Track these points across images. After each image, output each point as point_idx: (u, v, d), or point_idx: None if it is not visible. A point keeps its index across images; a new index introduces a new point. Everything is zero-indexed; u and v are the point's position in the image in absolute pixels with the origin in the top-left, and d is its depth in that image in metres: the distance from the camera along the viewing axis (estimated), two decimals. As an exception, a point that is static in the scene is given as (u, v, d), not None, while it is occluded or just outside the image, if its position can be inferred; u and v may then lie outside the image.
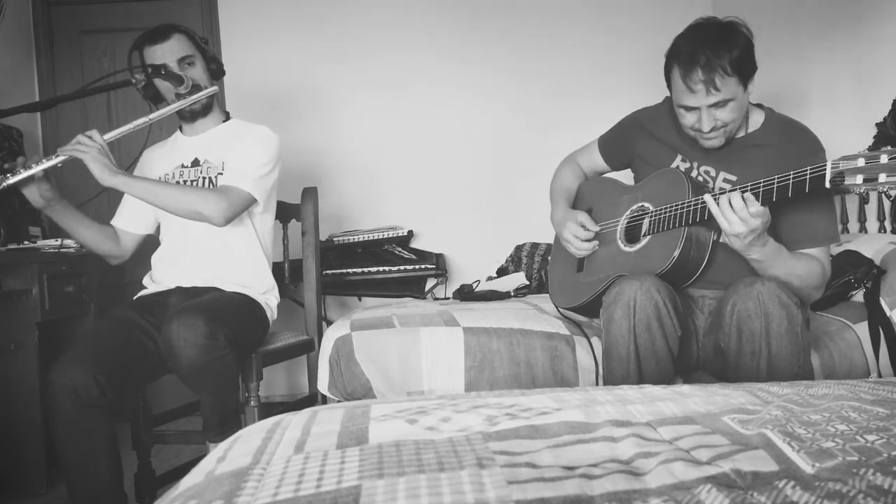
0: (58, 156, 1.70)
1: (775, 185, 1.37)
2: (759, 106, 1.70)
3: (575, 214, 1.82)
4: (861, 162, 1.23)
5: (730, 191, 1.39)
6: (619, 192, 1.83)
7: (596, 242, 1.78)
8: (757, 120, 1.66)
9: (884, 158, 1.20)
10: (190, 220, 1.82)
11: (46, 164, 1.70)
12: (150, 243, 2.06)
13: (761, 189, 1.39)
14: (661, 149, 1.76)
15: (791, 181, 1.34)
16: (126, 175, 1.74)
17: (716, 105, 1.53)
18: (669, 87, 1.62)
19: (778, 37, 3.02)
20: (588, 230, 1.78)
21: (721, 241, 1.60)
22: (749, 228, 1.37)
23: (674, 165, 1.72)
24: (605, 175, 2.00)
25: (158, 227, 2.06)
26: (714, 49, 1.48)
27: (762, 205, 1.38)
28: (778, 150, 1.60)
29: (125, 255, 2.03)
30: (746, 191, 1.40)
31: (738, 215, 1.37)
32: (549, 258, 2.09)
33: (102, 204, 2.06)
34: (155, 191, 1.76)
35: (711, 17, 1.57)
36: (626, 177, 1.93)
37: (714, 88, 1.49)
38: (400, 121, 3.44)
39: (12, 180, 1.68)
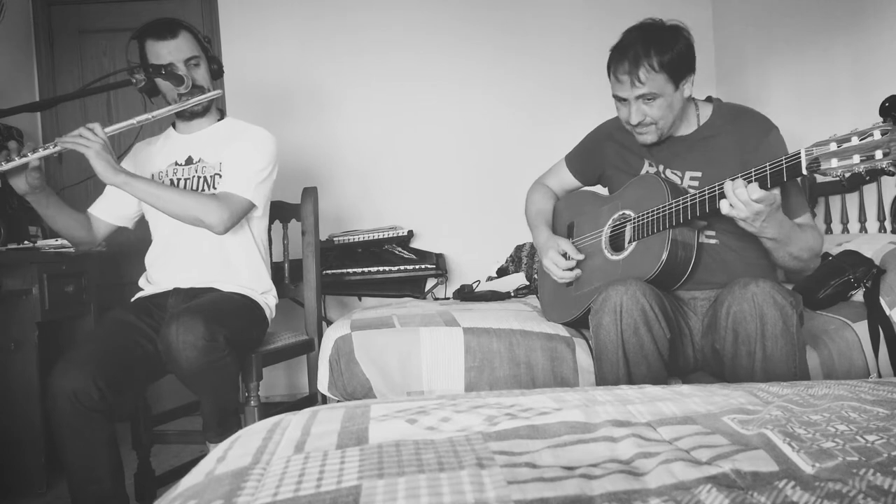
0: (56, 146, 1.68)
1: (753, 177, 1.38)
2: (709, 99, 1.75)
3: (557, 242, 1.84)
4: (833, 146, 1.24)
5: (731, 179, 1.40)
6: (599, 204, 1.86)
7: (578, 271, 1.80)
8: (706, 113, 1.71)
9: (854, 140, 1.22)
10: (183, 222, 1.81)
11: (44, 153, 1.67)
12: (144, 241, 2.04)
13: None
14: (629, 156, 1.80)
15: (768, 172, 1.36)
16: (129, 175, 1.73)
17: (643, 98, 1.59)
18: (609, 79, 1.68)
19: (777, 36, 3.02)
20: (570, 259, 1.79)
21: (703, 241, 1.62)
22: (753, 212, 1.38)
23: (643, 171, 1.76)
24: (580, 190, 2.02)
25: (139, 224, 2.05)
26: (645, 45, 1.56)
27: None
28: (731, 136, 1.65)
29: (94, 243, 2.01)
30: (751, 178, 1.39)
31: (740, 201, 1.38)
32: (537, 276, 2.10)
33: (81, 188, 2.04)
34: (157, 193, 1.76)
35: (658, 19, 1.64)
36: (600, 189, 1.94)
37: (638, 81, 1.57)
38: (400, 120, 3.44)
39: (7, 166, 1.65)
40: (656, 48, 1.55)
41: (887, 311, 1.84)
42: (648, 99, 1.59)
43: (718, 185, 1.44)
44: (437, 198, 3.43)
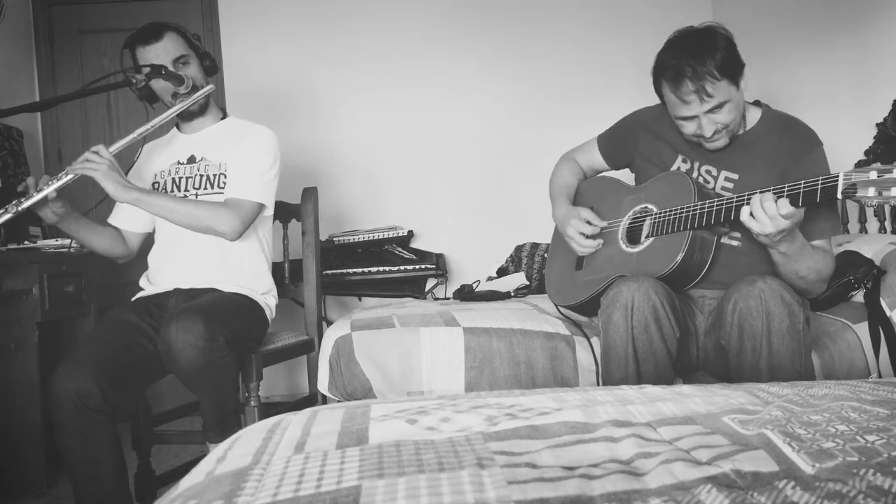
0: (68, 174, 1.69)
1: (784, 193, 1.36)
2: (756, 103, 1.71)
3: (578, 211, 1.80)
4: (874, 174, 1.21)
5: (761, 192, 1.38)
6: (622, 193, 1.83)
7: (600, 241, 1.77)
8: (754, 117, 1.68)
9: None
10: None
11: (57, 185, 1.68)
12: (143, 242, 2.06)
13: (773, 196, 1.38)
14: (663, 148, 1.76)
15: (801, 190, 1.33)
16: (140, 190, 1.75)
17: (712, 110, 1.55)
18: (662, 101, 1.64)
19: (778, 37, 3.02)
20: (593, 225, 1.76)
21: (724, 242, 1.61)
22: (778, 229, 1.35)
23: (675, 166, 1.73)
24: (606, 174, 1.99)
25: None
26: (697, 57, 1.50)
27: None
28: (776, 145, 1.62)
29: (133, 254, 2.04)
30: (782, 193, 1.37)
31: (768, 215, 1.35)
32: (548, 255, 2.08)
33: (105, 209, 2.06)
34: (170, 206, 1.77)
35: (687, 27, 1.60)
36: (626, 177, 1.93)
37: (707, 96, 1.52)
38: (400, 120, 3.44)
39: (26, 204, 1.66)
40: (707, 54, 1.50)
41: (888, 312, 1.84)
42: (717, 108, 1.55)
43: (749, 195, 1.42)
44: (437, 198, 3.43)
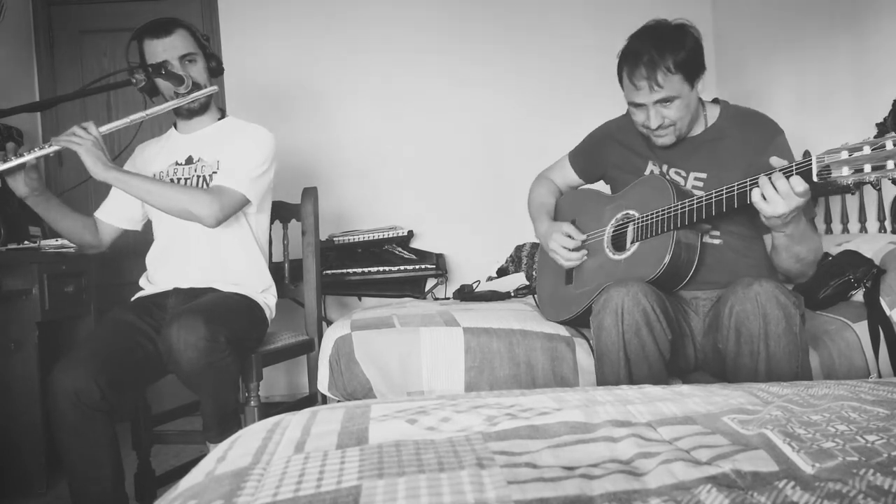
0: (51, 145, 1.69)
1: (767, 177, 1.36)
2: (716, 101, 1.75)
3: (560, 226, 1.84)
4: (845, 154, 1.23)
5: (766, 174, 1.35)
6: (602, 203, 1.85)
7: (584, 252, 1.80)
8: (713, 115, 1.71)
9: (866, 150, 1.20)
10: (184, 220, 1.81)
11: (39, 153, 1.68)
12: (143, 241, 2.05)
13: (748, 186, 1.40)
14: (632, 156, 1.80)
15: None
16: (119, 170, 1.73)
17: (661, 102, 1.59)
18: (623, 86, 1.66)
19: (778, 36, 3.02)
20: (574, 239, 1.79)
21: (706, 241, 1.62)
22: (790, 208, 1.33)
23: (647, 171, 1.76)
24: (583, 187, 2.02)
25: (146, 226, 2.06)
26: (658, 48, 1.54)
27: (750, 200, 1.38)
28: (738, 139, 1.65)
29: (102, 247, 2.02)
30: (793, 174, 1.34)
31: (780, 193, 1.33)
32: (536, 272, 2.10)
33: (83, 191, 2.05)
34: (148, 188, 1.76)
35: (662, 20, 1.63)
36: (603, 188, 1.95)
37: (657, 85, 1.55)
38: (400, 120, 3.44)
39: (4, 167, 1.66)
40: (669, 49, 1.54)
41: (887, 312, 1.84)
42: (666, 102, 1.58)
43: (727, 189, 1.44)
44: (437, 198, 3.43)
